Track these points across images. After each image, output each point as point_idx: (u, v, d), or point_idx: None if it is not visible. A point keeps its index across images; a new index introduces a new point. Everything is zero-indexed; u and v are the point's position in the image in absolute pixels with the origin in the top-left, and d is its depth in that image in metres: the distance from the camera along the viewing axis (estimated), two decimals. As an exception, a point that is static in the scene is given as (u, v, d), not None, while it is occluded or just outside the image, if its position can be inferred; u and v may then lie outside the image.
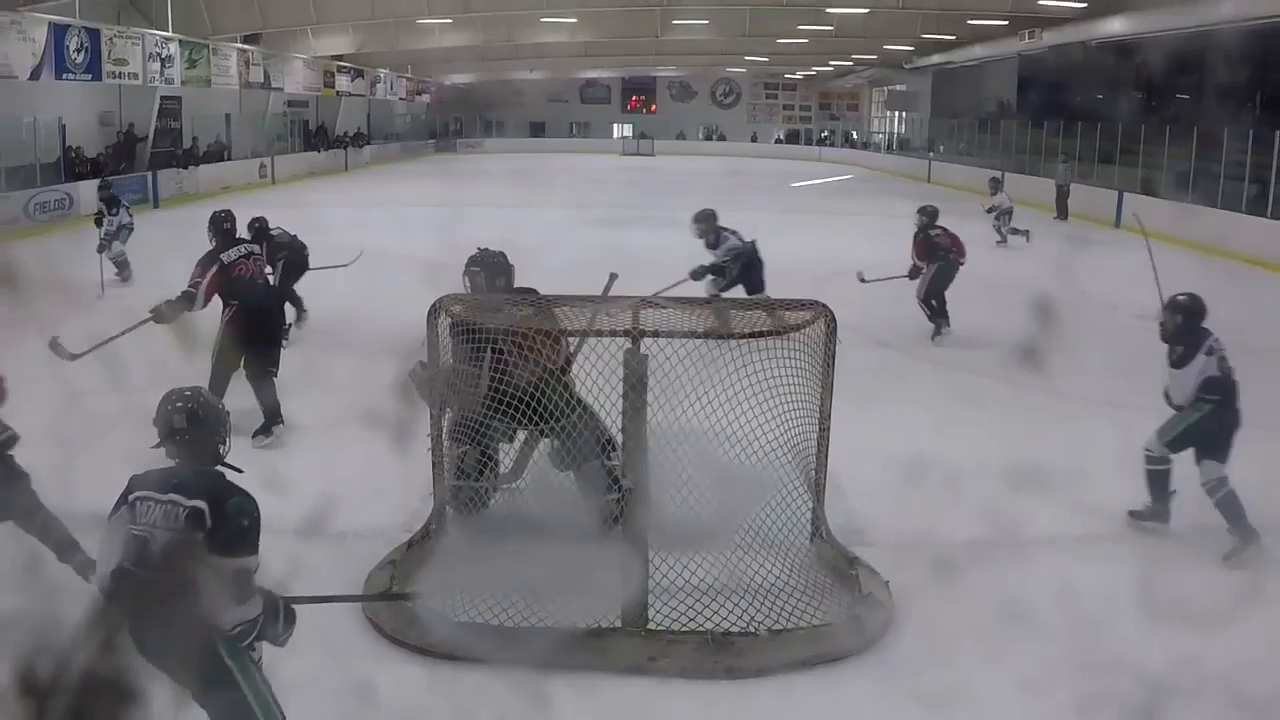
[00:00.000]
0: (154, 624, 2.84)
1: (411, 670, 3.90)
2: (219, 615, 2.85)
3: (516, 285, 5.32)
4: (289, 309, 8.49)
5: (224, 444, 3.18)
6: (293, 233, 9.24)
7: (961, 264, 9.50)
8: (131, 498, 3.01)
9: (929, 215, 10.09)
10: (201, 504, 2.92)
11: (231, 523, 2.92)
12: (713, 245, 9.17)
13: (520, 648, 3.90)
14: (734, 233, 9.22)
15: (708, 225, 9.23)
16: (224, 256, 6.66)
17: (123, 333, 6.26)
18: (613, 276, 5.16)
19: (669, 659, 3.93)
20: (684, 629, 4.06)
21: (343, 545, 4.84)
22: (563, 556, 4.31)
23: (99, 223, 11.50)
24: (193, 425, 3.10)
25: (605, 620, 4.05)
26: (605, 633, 4.03)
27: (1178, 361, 5.50)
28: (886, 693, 3.80)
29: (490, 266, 5.35)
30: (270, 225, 8.85)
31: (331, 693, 3.74)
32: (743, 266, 9.06)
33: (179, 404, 3.12)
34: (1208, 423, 5.24)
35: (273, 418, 6.53)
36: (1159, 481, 5.34)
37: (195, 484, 2.99)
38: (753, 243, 9.20)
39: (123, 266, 11.32)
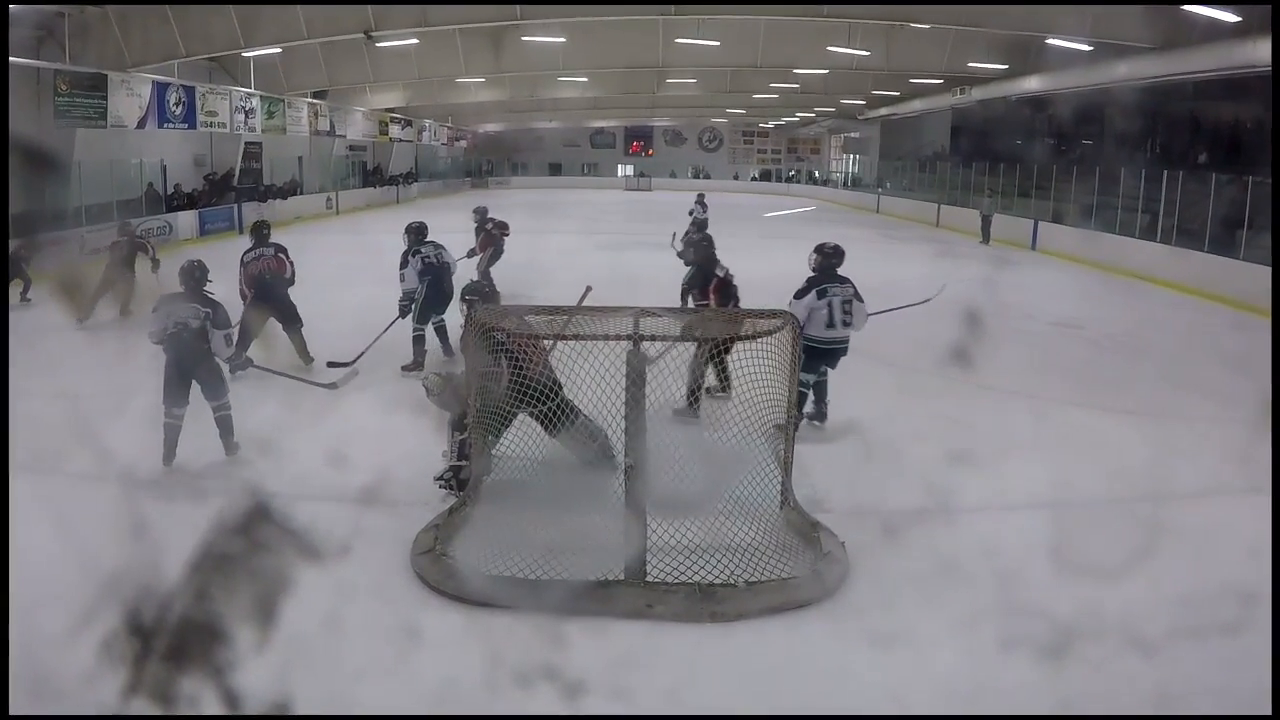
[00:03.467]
0: (196, 359, 5.42)
1: (451, 615, 3.89)
2: (222, 352, 5.61)
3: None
4: None
5: (208, 284, 5.81)
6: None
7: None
8: (168, 309, 5.47)
9: (480, 213, 11.11)
10: (209, 309, 5.54)
11: (220, 313, 5.58)
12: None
13: (541, 596, 3.90)
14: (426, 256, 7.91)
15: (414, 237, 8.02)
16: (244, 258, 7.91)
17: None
18: (588, 289, 5.17)
19: (664, 606, 3.92)
20: (676, 581, 4.06)
21: (395, 511, 4.83)
22: (575, 521, 4.32)
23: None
24: (198, 276, 5.74)
25: (611, 574, 4.05)
26: (611, 584, 4.02)
27: None
28: (843, 633, 3.81)
29: (483, 295, 5.96)
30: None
31: (385, 632, 3.75)
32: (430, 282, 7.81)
33: (193, 266, 5.77)
34: None
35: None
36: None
37: (200, 300, 5.61)
38: (444, 262, 7.97)
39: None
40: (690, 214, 18.59)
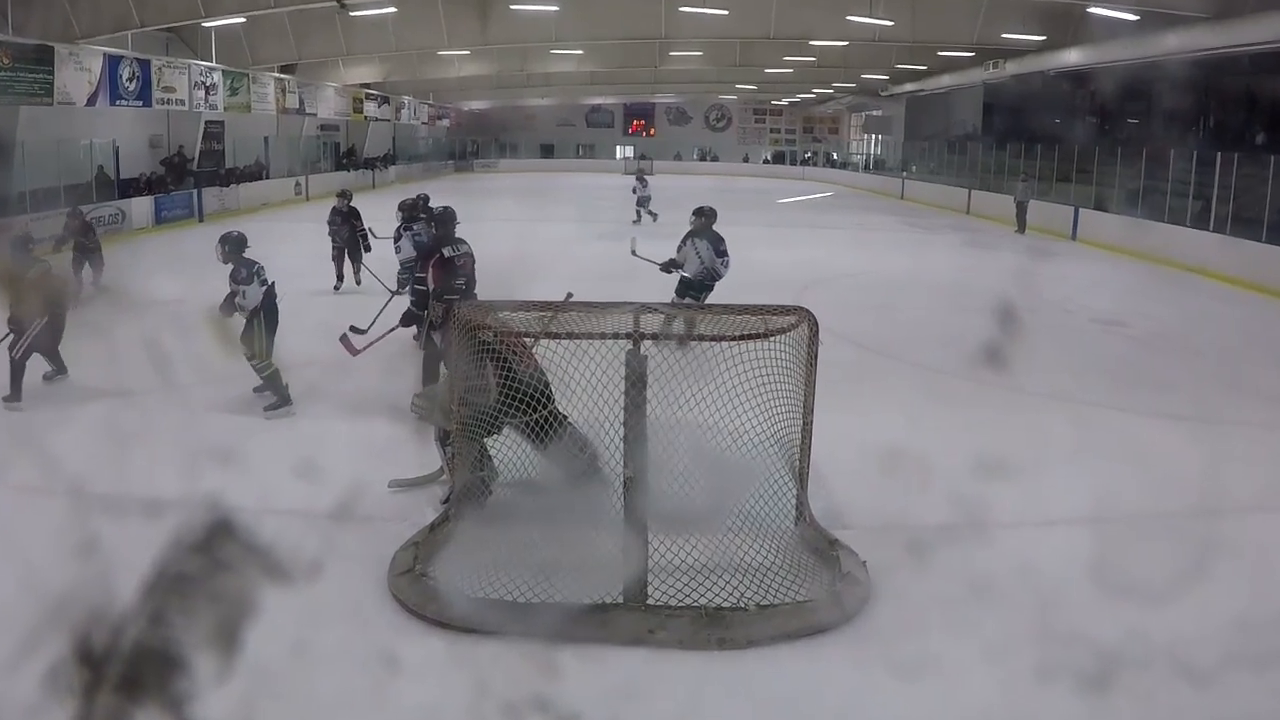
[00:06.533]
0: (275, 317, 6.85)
1: (432, 642, 3.89)
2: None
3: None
4: None
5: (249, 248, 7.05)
6: None
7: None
8: (255, 269, 6.77)
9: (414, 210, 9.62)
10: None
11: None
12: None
13: (532, 621, 3.90)
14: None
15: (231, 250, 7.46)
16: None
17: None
18: (568, 295, 5.14)
19: (667, 631, 3.92)
20: (680, 604, 4.06)
21: (370, 527, 4.83)
22: (570, 538, 4.32)
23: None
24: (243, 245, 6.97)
25: (609, 596, 4.04)
26: (609, 608, 4.02)
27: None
28: (864, 662, 3.80)
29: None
30: None
31: (361, 662, 3.75)
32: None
33: (240, 236, 7.03)
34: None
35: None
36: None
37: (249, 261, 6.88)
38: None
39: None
40: (634, 190, 20.90)
